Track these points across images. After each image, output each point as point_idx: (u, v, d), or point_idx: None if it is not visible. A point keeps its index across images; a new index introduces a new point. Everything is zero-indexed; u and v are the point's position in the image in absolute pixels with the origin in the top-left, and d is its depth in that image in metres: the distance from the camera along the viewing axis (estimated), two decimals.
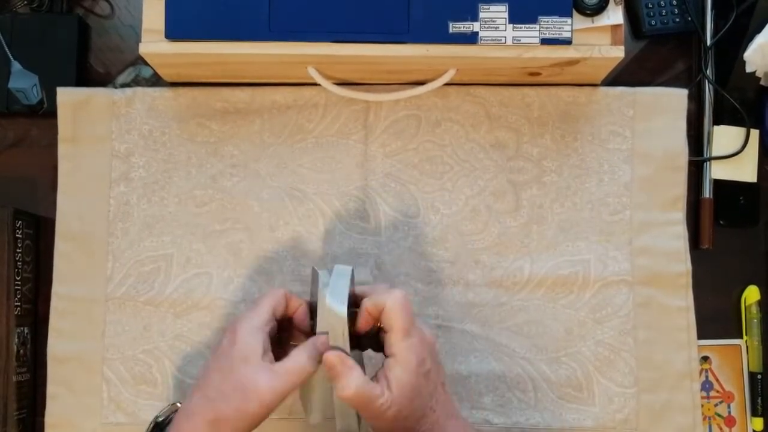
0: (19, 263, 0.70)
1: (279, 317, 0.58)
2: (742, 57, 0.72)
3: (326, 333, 0.55)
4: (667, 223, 0.71)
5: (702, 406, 0.72)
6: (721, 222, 0.74)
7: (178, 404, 0.59)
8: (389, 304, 0.56)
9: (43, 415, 0.70)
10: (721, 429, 0.73)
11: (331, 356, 0.54)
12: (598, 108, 0.73)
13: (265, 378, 0.54)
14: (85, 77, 0.75)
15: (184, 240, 0.71)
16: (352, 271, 0.58)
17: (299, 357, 0.55)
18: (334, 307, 0.55)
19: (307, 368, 0.55)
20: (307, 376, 0.55)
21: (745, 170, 0.75)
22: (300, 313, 0.59)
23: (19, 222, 0.70)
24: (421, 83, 0.70)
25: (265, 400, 0.54)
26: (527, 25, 0.64)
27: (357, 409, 0.56)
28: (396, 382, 0.54)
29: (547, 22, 0.64)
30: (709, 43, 0.75)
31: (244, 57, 0.65)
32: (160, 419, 0.60)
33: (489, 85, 0.73)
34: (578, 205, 0.72)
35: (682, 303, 0.71)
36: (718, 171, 0.74)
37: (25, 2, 0.75)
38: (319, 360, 0.55)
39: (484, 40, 0.64)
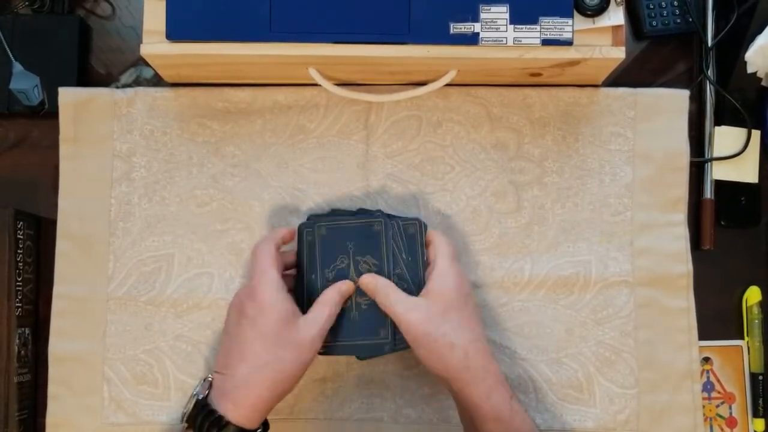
0: (20, 264, 0.70)
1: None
2: (743, 58, 0.72)
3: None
4: (669, 223, 0.71)
5: (703, 407, 0.71)
6: (723, 223, 0.74)
7: (210, 377, 0.61)
8: (436, 238, 0.65)
9: (44, 416, 0.70)
10: (722, 430, 0.73)
11: (365, 278, 0.63)
12: (599, 109, 0.73)
13: (311, 328, 0.60)
14: (86, 78, 0.75)
15: (185, 240, 0.71)
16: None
17: (330, 298, 0.62)
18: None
19: (336, 309, 0.62)
20: (335, 315, 0.62)
21: (746, 171, 0.75)
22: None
23: (20, 223, 0.70)
24: (422, 84, 0.70)
25: (315, 345, 0.60)
26: (528, 26, 0.64)
27: (391, 315, 0.61)
28: (433, 288, 0.62)
29: (548, 22, 0.64)
30: (710, 43, 0.75)
31: (245, 58, 0.65)
32: (201, 396, 0.59)
33: (490, 85, 0.73)
34: (579, 206, 0.72)
35: (683, 304, 0.71)
36: (719, 172, 0.74)
37: (27, 3, 0.75)
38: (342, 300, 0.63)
39: (485, 40, 0.64)
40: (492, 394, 0.60)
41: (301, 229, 0.67)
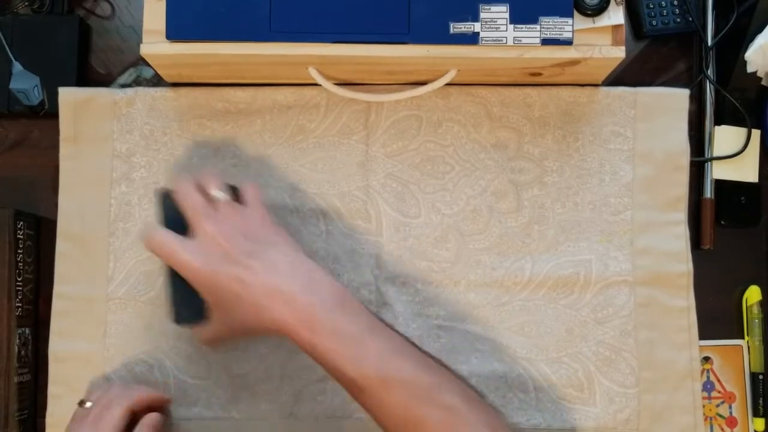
0: (20, 264, 0.70)
1: None
2: (743, 57, 0.72)
3: None
4: (669, 223, 0.71)
5: (703, 406, 0.71)
6: (723, 222, 0.74)
7: None
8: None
9: (44, 416, 0.70)
10: (722, 429, 0.73)
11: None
12: (600, 108, 0.73)
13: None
14: (86, 78, 0.75)
15: None
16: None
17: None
18: None
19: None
20: None
21: (746, 170, 0.75)
22: None
23: (20, 223, 0.70)
24: (422, 83, 0.70)
25: None
26: (528, 26, 0.64)
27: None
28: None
29: (548, 22, 0.64)
30: (710, 43, 0.75)
31: (245, 57, 0.65)
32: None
33: (490, 85, 0.73)
34: (579, 206, 0.72)
35: (684, 303, 0.71)
36: (719, 171, 0.74)
37: (26, 3, 0.75)
38: None
39: (485, 40, 0.64)
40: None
41: (159, 198, 0.65)
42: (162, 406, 0.67)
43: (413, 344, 0.60)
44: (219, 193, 0.63)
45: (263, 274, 0.58)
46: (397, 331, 0.60)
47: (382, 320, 0.61)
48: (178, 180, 0.64)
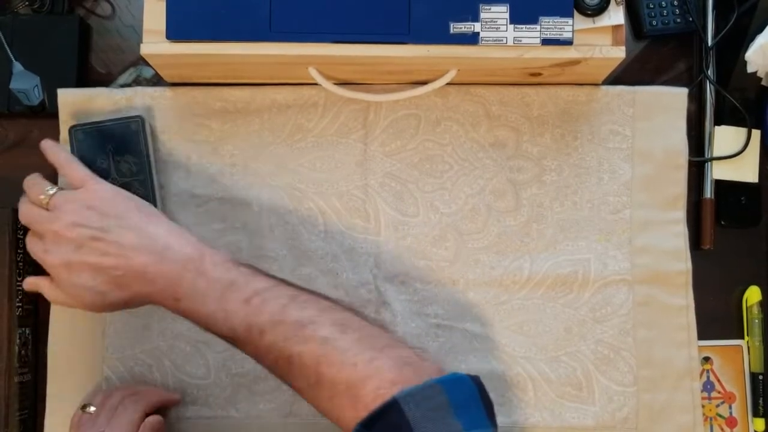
0: (20, 264, 0.70)
1: None
2: (743, 57, 0.72)
3: None
4: (668, 221, 0.71)
5: (703, 406, 0.71)
6: (722, 222, 0.74)
7: None
8: None
9: (44, 416, 0.70)
10: (722, 429, 0.73)
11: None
12: (598, 107, 0.73)
13: None
14: (86, 78, 0.75)
15: None
16: None
17: None
18: None
19: None
20: None
21: (746, 170, 0.75)
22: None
23: (20, 223, 0.70)
24: (422, 83, 0.70)
25: None
26: (528, 26, 0.64)
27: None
28: None
29: (548, 22, 0.64)
30: (710, 43, 0.75)
31: (245, 57, 0.65)
32: None
33: (489, 84, 0.73)
34: (578, 204, 0.72)
35: (682, 302, 0.71)
36: (719, 171, 0.74)
37: (26, 3, 0.75)
38: None
39: (485, 40, 0.64)
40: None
41: (69, 134, 0.69)
42: (172, 405, 0.68)
43: (286, 282, 0.60)
44: (47, 192, 0.63)
45: (114, 255, 0.59)
46: (273, 276, 0.61)
47: (252, 266, 0.61)
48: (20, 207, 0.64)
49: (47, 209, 0.62)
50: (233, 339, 0.59)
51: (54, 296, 0.63)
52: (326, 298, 0.60)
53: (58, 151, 0.66)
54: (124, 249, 0.59)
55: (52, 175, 0.73)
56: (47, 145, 0.66)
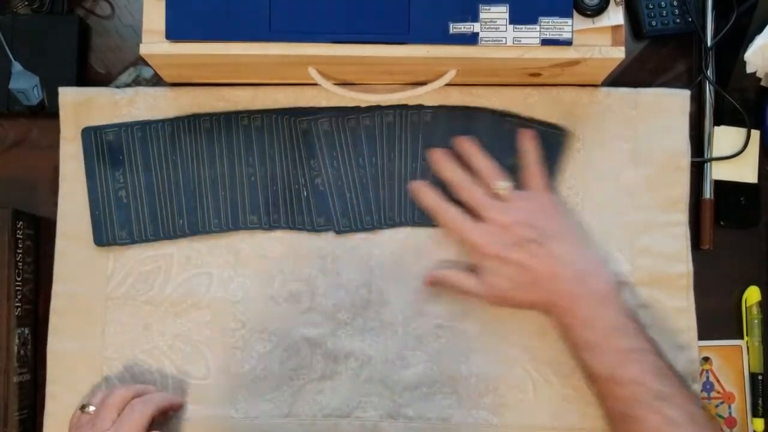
0: (19, 264, 0.70)
1: None
2: (742, 57, 0.71)
3: None
4: (669, 223, 0.71)
5: None
6: (722, 223, 0.74)
7: None
8: None
9: (43, 416, 0.70)
10: (722, 430, 0.73)
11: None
12: (601, 109, 0.73)
13: None
14: (86, 78, 0.75)
15: (184, 240, 0.71)
16: None
17: None
18: None
19: None
20: None
21: (745, 171, 0.75)
22: None
23: (20, 223, 0.70)
24: (422, 84, 0.70)
25: None
26: (528, 26, 0.64)
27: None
28: None
29: (548, 22, 0.64)
30: (709, 43, 0.75)
31: (245, 57, 0.65)
32: None
33: (491, 85, 0.73)
34: (580, 206, 0.72)
35: (683, 304, 0.71)
36: (718, 172, 0.74)
37: (26, 3, 0.75)
38: None
39: (485, 40, 0.64)
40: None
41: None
42: (177, 409, 0.68)
43: (658, 352, 0.63)
44: (503, 184, 0.67)
45: (544, 263, 0.64)
46: (649, 338, 0.64)
47: (637, 322, 0.64)
48: (453, 174, 0.69)
49: (500, 200, 0.67)
50: (592, 374, 0.63)
51: (466, 279, 0.67)
52: (684, 383, 0.62)
53: (533, 151, 0.70)
54: (555, 259, 0.64)
55: (52, 180, 0.73)
56: (530, 146, 0.70)
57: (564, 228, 0.67)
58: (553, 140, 0.71)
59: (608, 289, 0.65)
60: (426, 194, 0.70)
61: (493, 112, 0.72)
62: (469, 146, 0.70)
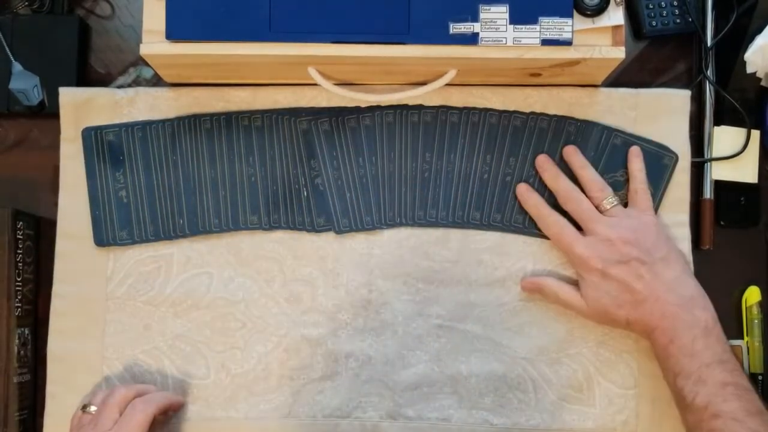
0: (19, 264, 0.70)
1: None
2: (742, 58, 0.71)
3: None
4: (670, 224, 0.71)
5: None
6: (722, 223, 0.74)
7: None
8: None
9: (43, 416, 0.70)
10: None
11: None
12: (601, 109, 0.72)
13: None
14: (86, 78, 0.75)
15: (185, 240, 0.71)
16: None
17: None
18: None
19: None
20: None
21: (745, 171, 0.75)
22: None
23: (20, 223, 0.70)
24: (422, 84, 0.70)
25: None
26: (528, 26, 0.64)
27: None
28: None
29: (548, 22, 0.64)
30: (709, 43, 0.75)
31: (245, 58, 0.65)
32: None
33: (491, 85, 0.73)
34: None
35: None
36: (718, 172, 0.74)
37: (26, 3, 0.75)
38: None
39: (485, 40, 0.64)
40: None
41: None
42: (178, 408, 0.68)
43: (756, 390, 0.62)
44: (610, 200, 0.68)
45: (648, 285, 0.64)
46: (747, 375, 0.64)
47: (736, 357, 0.64)
48: (561, 184, 0.69)
49: (602, 213, 0.68)
50: (684, 404, 0.62)
51: (566, 290, 0.68)
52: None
53: (641, 170, 0.70)
54: (660, 283, 0.64)
55: (52, 180, 0.73)
56: (638, 165, 0.70)
57: (670, 252, 0.66)
58: (659, 161, 0.71)
59: (713, 320, 0.64)
60: (531, 199, 0.70)
61: (605, 128, 0.71)
62: (578, 157, 0.70)
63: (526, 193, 0.70)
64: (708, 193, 0.74)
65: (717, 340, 0.63)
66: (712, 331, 0.63)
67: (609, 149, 0.71)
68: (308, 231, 0.71)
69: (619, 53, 0.65)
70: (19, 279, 0.69)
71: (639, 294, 0.64)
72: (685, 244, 0.71)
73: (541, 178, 0.71)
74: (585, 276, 0.67)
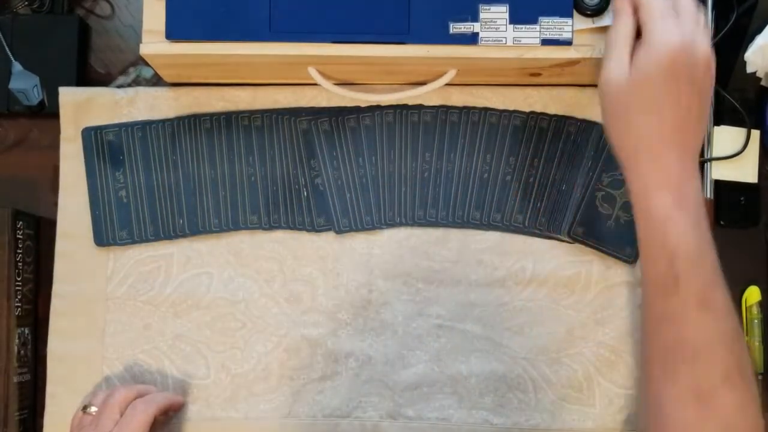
0: (19, 264, 0.70)
1: None
2: (742, 57, 0.71)
3: None
4: None
5: None
6: (722, 222, 0.74)
7: None
8: None
9: (43, 416, 0.70)
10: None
11: None
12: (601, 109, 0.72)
13: None
14: (86, 78, 0.75)
15: (185, 240, 0.71)
16: None
17: None
18: None
19: None
20: None
21: (745, 171, 0.75)
22: None
23: (20, 223, 0.70)
24: (422, 84, 0.70)
25: None
26: (528, 26, 0.64)
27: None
28: (636, 61, 0.57)
29: (548, 22, 0.64)
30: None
31: (245, 57, 0.65)
32: None
33: (491, 85, 0.73)
34: None
35: None
36: (718, 171, 0.74)
37: (26, 3, 0.75)
38: None
39: (485, 40, 0.64)
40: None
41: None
42: (179, 409, 0.68)
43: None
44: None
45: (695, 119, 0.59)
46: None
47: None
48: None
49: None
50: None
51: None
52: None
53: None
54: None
55: (52, 180, 0.73)
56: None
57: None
58: None
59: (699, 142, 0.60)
60: None
61: None
62: None
63: None
64: (708, 192, 0.74)
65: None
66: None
67: (609, 149, 0.71)
68: (308, 231, 0.71)
69: None
70: (19, 279, 0.69)
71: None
72: None
73: (540, 178, 0.71)
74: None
